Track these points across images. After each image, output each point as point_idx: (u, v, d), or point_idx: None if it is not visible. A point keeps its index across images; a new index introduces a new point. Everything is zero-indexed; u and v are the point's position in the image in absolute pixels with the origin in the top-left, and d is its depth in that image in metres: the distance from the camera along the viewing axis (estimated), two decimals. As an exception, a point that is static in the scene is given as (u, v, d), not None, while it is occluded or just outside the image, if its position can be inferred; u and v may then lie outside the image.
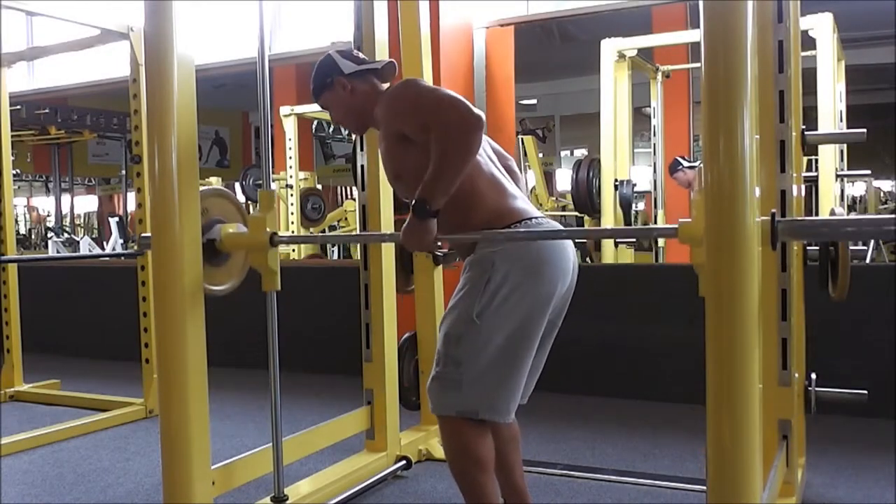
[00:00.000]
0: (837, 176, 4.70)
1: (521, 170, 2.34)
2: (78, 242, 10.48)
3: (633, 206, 5.65)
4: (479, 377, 1.91)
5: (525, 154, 7.74)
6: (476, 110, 1.85)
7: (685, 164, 5.76)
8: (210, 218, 2.16)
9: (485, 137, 2.18)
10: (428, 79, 2.96)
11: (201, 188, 2.06)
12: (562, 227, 2.06)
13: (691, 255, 1.52)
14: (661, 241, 6.03)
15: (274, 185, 2.34)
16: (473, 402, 1.91)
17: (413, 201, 1.86)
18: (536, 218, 2.00)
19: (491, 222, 1.95)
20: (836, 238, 2.19)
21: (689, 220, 1.55)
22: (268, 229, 2.16)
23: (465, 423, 1.93)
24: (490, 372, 1.91)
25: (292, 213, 7.34)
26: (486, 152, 2.09)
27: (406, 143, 1.97)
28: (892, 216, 1.48)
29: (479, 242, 1.97)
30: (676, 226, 1.60)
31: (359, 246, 3.31)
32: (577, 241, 2.35)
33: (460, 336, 1.92)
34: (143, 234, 2.07)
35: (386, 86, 2.18)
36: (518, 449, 2.18)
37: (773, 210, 1.63)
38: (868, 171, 5.68)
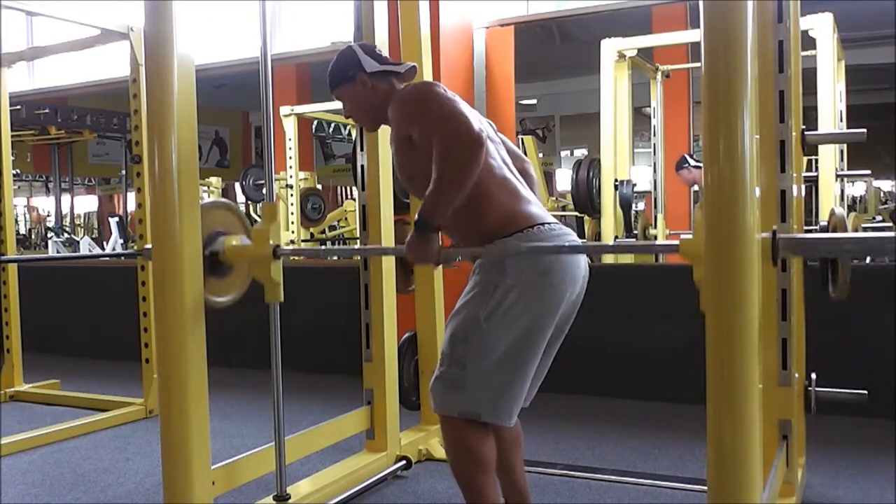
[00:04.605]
0: (837, 176, 4.69)
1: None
2: (78, 242, 10.48)
3: (633, 206, 5.64)
4: (483, 380, 1.91)
5: (525, 154, 7.73)
6: (476, 133, 1.82)
7: (692, 162, 5.76)
8: (213, 230, 2.15)
9: (500, 137, 2.16)
10: (428, 79, 2.96)
11: (204, 201, 2.06)
12: (573, 233, 2.05)
13: (693, 271, 1.52)
14: (661, 242, 6.01)
15: (274, 186, 2.33)
16: (476, 404, 1.91)
17: (415, 218, 1.87)
18: (549, 224, 1.97)
19: (502, 226, 1.93)
20: (837, 255, 2.19)
21: (690, 236, 1.56)
22: (271, 241, 2.16)
23: (467, 424, 1.92)
24: (494, 375, 1.91)
25: (292, 214, 7.33)
26: (500, 154, 2.07)
27: (415, 146, 1.96)
28: (893, 235, 1.47)
29: (489, 245, 1.94)
30: (678, 242, 1.60)
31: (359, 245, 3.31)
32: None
33: (466, 338, 1.92)
34: (145, 247, 2.06)
35: (403, 85, 2.16)
36: (520, 450, 2.18)
37: (775, 227, 1.63)
38: (868, 171, 5.66)
